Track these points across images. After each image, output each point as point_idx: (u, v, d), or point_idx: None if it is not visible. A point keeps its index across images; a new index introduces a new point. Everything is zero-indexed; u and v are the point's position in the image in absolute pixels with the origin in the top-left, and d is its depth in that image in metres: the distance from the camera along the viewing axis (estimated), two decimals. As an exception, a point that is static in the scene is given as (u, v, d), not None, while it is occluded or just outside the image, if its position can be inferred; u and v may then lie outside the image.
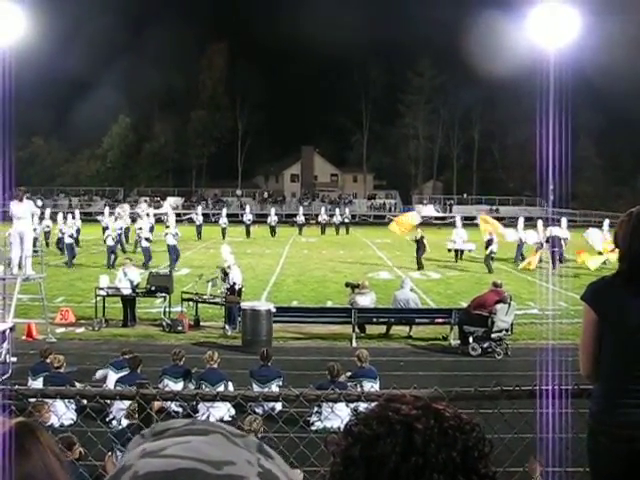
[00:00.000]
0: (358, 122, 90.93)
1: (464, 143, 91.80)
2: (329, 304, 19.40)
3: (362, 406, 3.60)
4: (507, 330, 14.83)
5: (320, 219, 50.12)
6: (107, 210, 37.88)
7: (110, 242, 28.46)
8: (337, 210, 52.27)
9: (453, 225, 35.35)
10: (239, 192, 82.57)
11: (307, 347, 14.97)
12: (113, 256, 27.79)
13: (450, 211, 79.92)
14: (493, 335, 14.44)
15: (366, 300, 16.45)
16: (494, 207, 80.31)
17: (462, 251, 32.11)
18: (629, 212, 3.44)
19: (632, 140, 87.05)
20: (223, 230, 41.71)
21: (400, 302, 16.61)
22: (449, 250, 32.53)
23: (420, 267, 28.01)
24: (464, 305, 16.34)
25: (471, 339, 14.53)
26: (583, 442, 3.42)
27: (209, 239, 38.98)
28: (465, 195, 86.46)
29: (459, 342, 14.97)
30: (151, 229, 31.81)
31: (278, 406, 9.16)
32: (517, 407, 3.70)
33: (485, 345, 14.42)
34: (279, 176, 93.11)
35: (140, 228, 30.04)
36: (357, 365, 10.94)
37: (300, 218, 48.80)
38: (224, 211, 44.90)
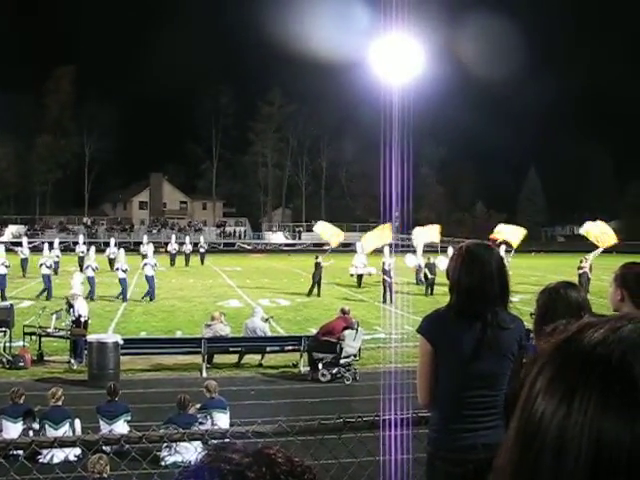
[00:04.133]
0: (208, 149, 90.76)
1: (312, 171, 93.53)
2: (178, 334, 19.10)
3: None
4: (355, 355, 15.13)
5: (170, 248, 45.21)
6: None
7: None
8: (187, 238, 48.85)
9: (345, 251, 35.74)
10: (86, 220, 79.83)
11: (156, 379, 14.63)
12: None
13: (299, 238, 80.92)
14: (342, 361, 14.68)
15: (221, 332, 16.32)
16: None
17: (362, 275, 33.10)
18: (460, 246, 3.64)
19: (471, 169, 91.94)
20: (81, 258, 39.07)
21: (249, 331, 16.61)
22: (351, 275, 33.46)
23: (311, 292, 28.61)
24: (313, 332, 16.54)
25: (320, 365, 14.70)
26: (423, 466, 3.58)
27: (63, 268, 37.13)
28: (314, 222, 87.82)
29: (309, 369, 15.10)
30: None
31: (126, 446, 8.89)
32: (361, 434, 3.81)
33: (334, 371, 14.63)
34: (127, 203, 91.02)
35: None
36: (206, 396, 10.83)
37: (144, 248, 42.38)
38: (81, 238, 42.12)
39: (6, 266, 27.09)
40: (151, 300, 26.16)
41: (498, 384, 3.47)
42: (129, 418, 10.34)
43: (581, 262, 30.04)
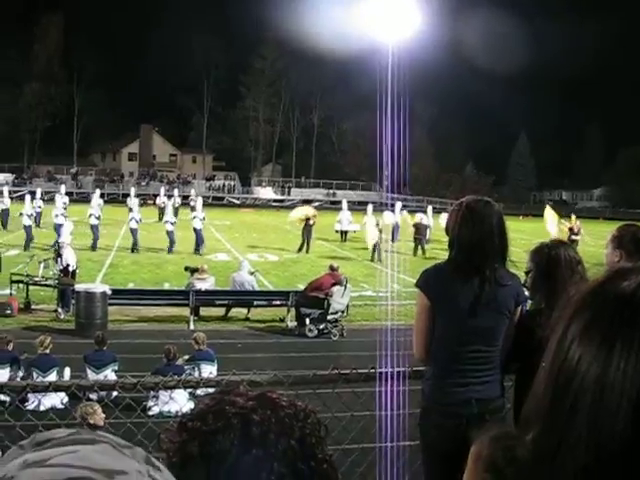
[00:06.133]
0: (199, 102, 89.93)
1: (304, 127, 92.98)
2: (166, 286, 19.09)
3: (200, 391, 3.57)
4: (343, 312, 15.20)
5: (159, 201, 42.36)
6: None
7: None
8: (175, 191, 47.47)
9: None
10: (74, 169, 79.15)
11: (144, 330, 14.65)
12: None
13: (289, 194, 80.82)
14: (329, 317, 14.74)
15: (205, 285, 16.31)
16: (331, 191, 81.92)
17: (347, 232, 33.59)
18: (460, 202, 3.59)
19: (462, 130, 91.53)
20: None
21: (236, 284, 16.62)
22: (336, 231, 33.99)
23: (302, 249, 28.72)
24: (301, 288, 16.58)
25: (308, 321, 14.76)
26: (416, 419, 3.59)
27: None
28: (303, 179, 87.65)
29: (296, 324, 15.16)
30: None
31: (114, 391, 8.91)
32: (354, 388, 3.80)
33: (321, 327, 14.70)
34: (117, 154, 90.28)
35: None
36: (195, 348, 10.84)
37: (131, 201, 38.86)
38: (63, 188, 41.50)
39: None
40: (132, 252, 26.30)
41: (494, 340, 3.47)
42: (117, 367, 10.35)
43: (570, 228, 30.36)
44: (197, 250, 26.85)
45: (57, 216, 28.01)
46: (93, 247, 26.26)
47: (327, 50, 65.08)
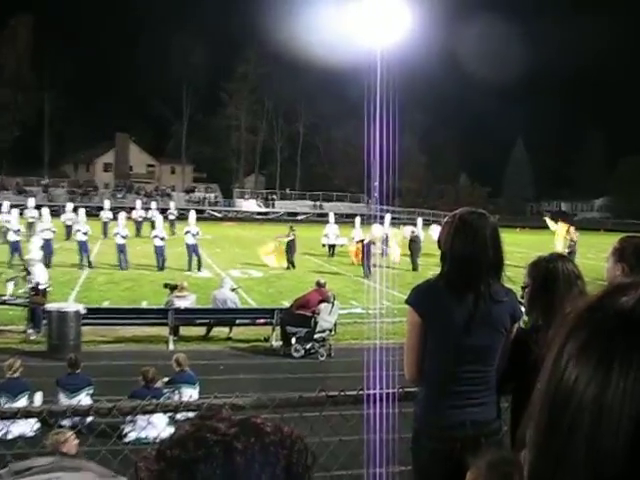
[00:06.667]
0: (178, 110, 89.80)
1: (288, 136, 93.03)
2: (144, 304, 19.01)
3: (179, 415, 3.56)
4: (330, 330, 15.18)
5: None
6: None
7: None
8: (153, 204, 44.88)
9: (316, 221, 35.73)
10: (45, 181, 78.66)
11: (120, 351, 14.58)
12: None
13: (273, 206, 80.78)
14: (316, 336, 14.72)
15: (185, 303, 16.27)
16: (318, 203, 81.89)
17: (334, 246, 33.58)
18: (453, 214, 3.61)
19: (455, 139, 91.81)
20: (30, 224, 38.01)
21: (218, 302, 16.59)
22: (323, 245, 34.07)
23: (291, 266, 28.74)
24: (287, 305, 16.55)
25: (293, 340, 14.74)
26: (408, 443, 3.59)
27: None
28: (288, 190, 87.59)
29: (281, 344, 15.13)
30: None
31: (89, 417, 8.86)
32: (342, 410, 3.80)
33: (308, 346, 14.67)
34: (90, 165, 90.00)
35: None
36: (174, 370, 10.80)
37: (106, 214, 39.60)
38: (31, 202, 40.56)
39: None
40: (122, 269, 26.28)
41: (489, 359, 3.48)
42: (91, 391, 10.28)
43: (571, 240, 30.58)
44: (197, 267, 26.88)
45: (16, 232, 27.65)
46: (83, 264, 26.34)
47: (313, 54, 65.14)
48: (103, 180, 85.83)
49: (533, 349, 3.16)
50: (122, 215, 29.39)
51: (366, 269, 26.96)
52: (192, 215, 29.39)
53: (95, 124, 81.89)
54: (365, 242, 27.71)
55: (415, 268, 28.48)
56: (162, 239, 27.31)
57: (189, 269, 26.64)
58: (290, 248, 29.26)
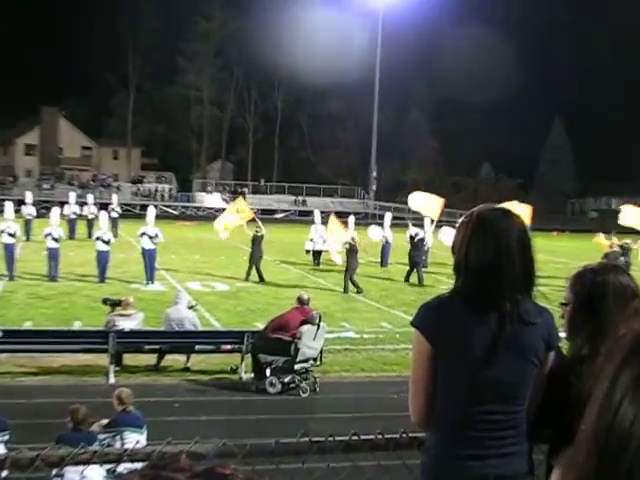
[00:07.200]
0: (122, 77, 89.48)
1: (263, 112, 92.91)
2: (77, 325, 18.98)
3: (122, 467, 3.55)
4: (315, 359, 15.19)
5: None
6: None
7: None
8: (90, 197, 44.55)
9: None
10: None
11: (45, 386, 14.53)
12: None
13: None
14: (297, 366, 14.72)
15: (130, 324, 16.23)
16: (300, 198, 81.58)
17: (320, 252, 33.24)
18: (470, 212, 3.58)
19: (476, 119, 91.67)
20: None
21: (173, 323, 16.55)
22: (307, 251, 33.90)
23: (249, 275, 28.45)
24: (260, 327, 16.56)
25: (269, 371, 14.73)
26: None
27: None
28: (263, 182, 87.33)
29: (253, 376, 15.13)
30: None
31: (4, 472, 8.81)
32: (329, 461, 3.80)
33: (287, 379, 14.67)
34: (9, 147, 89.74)
35: None
36: (116, 409, 10.77)
37: (29, 210, 39.61)
38: None
39: None
40: (52, 280, 26.19)
41: (517, 397, 3.45)
42: (7, 437, 10.24)
43: (610, 246, 30.92)
44: (151, 279, 26.65)
45: None
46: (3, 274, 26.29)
47: (295, 9, 64.84)
48: (25, 166, 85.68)
49: (575, 384, 3.14)
50: (55, 211, 29.23)
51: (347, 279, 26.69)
52: (151, 212, 28.87)
53: (15, 96, 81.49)
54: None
55: (420, 282, 28.37)
56: (107, 242, 26.98)
57: (147, 281, 26.47)
58: (256, 248, 28.63)
